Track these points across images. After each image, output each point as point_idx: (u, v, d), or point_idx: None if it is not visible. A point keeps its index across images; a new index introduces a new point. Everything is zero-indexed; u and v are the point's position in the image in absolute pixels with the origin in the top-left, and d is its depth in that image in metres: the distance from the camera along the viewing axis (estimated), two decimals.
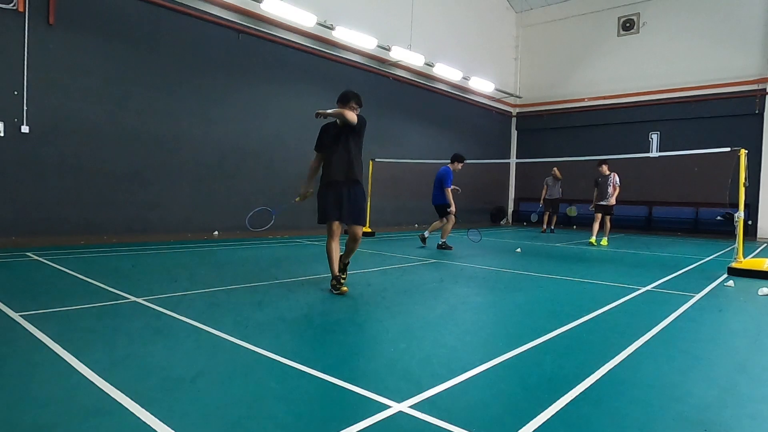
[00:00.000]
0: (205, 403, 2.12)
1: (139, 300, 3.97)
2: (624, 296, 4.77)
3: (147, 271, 5.53)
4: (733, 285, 5.47)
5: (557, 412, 2.12)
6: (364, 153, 4.90)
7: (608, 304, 4.39)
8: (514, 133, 18.62)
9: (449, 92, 15.22)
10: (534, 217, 13.55)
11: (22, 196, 7.10)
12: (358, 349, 3.12)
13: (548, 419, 2.04)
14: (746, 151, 6.62)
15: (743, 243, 6.59)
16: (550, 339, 3.23)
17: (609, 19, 16.16)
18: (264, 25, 10.07)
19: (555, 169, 13.61)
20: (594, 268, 6.99)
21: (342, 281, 4.55)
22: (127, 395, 2.14)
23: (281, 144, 10.43)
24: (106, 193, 7.91)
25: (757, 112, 13.61)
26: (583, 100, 16.67)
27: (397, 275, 5.71)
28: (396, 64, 13.16)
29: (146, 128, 8.39)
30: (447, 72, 14.09)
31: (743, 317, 4.29)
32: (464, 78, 14.95)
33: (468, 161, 13.78)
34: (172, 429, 1.87)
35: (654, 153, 8.53)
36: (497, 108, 17.57)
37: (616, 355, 2.91)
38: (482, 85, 15.63)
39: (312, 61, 11.02)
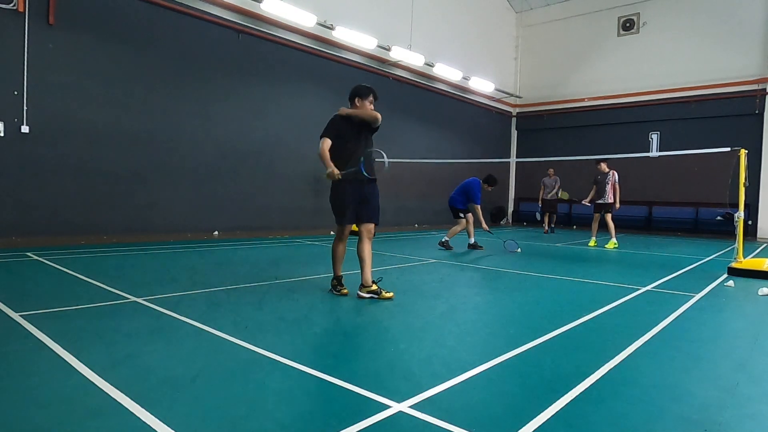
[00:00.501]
0: (205, 403, 2.12)
1: (139, 300, 3.97)
2: (624, 296, 4.77)
3: (147, 271, 5.53)
4: (733, 285, 5.46)
5: (557, 412, 2.11)
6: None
7: (608, 304, 4.39)
8: (514, 133, 18.62)
9: (449, 92, 15.22)
10: (538, 216, 13.88)
11: (23, 197, 7.10)
12: (358, 349, 3.12)
13: (548, 419, 2.04)
14: (746, 151, 6.61)
15: (743, 243, 6.59)
16: (550, 339, 3.23)
17: (609, 19, 16.15)
18: (264, 25, 10.07)
19: (550, 170, 13.65)
20: (594, 268, 6.99)
21: (343, 284, 4.50)
22: (127, 395, 2.14)
23: (281, 144, 10.43)
24: (106, 193, 7.91)
25: (757, 112, 13.60)
26: (583, 100, 16.67)
27: (397, 275, 5.70)
28: (396, 64, 13.16)
29: (146, 128, 8.39)
30: (447, 72, 14.09)
31: (743, 317, 4.29)
32: (464, 78, 14.95)
33: (468, 161, 13.90)
34: (172, 429, 1.87)
35: (654, 153, 8.52)
36: (497, 108, 17.57)
37: (616, 355, 2.90)
38: (482, 85, 15.63)
39: (312, 61, 11.02)
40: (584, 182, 14.74)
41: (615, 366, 2.72)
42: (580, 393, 2.33)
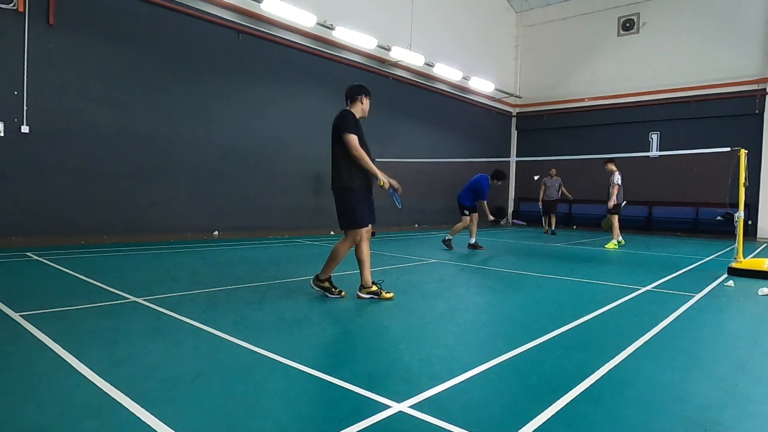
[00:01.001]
0: (205, 403, 2.12)
1: (139, 300, 3.97)
2: (624, 296, 4.77)
3: (147, 271, 5.53)
4: (733, 285, 5.46)
5: (557, 412, 2.11)
6: None
7: (608, 304, 4.39)
8: (514, 133, 18.62)
9: (449, 92, 15.22)
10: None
11: (22, 196, 7.10)
12: (358, 349, 3.12)
13: (548, 419, 2.04)
14: (746, 151, 6.62)
15: (743, 243, 6.59)
16: (550, 339, 3.23)
17: (609, 19, 16.15)
18: (264, 25, 10.07)
19: (552, 170, 13.64)
20: (594, 268, 6.99)
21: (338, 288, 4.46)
22: (127, 395, 2.14)
23: (281, 144, 10.43)
24: (106, 193, 7.90)
25: (757, 112, 13.59)
26: (583, 100, 16.67)
27: (397, 275, 5.71)
28: (396, 64, 13.16)
29: (146, 128, 8.39)
30: (447, 72, 14.09)
31: (743, 317, 4.29)
32: (464, 78, 14.95)
33: (468, 161, 13.90)
34: (172, 429, 1.87)
35: (654, 153, 8.53)
36: (497, 108, 17.56)
37: (616, 355, 2.90)
38: (482, 85, 15.62)
39: (312, 61, 11.02)
40: (584, 182, 14.83)
41: (615, 366, 2.72)
42: (580, 393, 2.33)
